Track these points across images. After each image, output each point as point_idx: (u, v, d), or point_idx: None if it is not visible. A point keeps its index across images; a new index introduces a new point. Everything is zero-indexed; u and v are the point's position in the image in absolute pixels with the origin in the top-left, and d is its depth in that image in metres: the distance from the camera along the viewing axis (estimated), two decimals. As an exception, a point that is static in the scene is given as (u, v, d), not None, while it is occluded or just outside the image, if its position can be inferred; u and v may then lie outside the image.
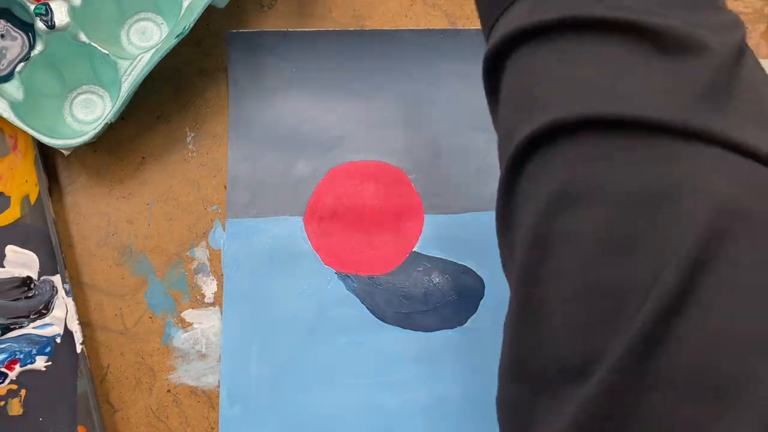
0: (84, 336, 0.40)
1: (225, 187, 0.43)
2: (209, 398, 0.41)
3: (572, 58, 0.22)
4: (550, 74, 0.23)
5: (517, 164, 0.23)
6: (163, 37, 0.42)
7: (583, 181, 0.20)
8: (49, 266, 0.40)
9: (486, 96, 0.29)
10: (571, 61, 0.22)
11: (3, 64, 0.41)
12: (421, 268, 0.42)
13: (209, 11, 0.42)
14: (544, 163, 0.22)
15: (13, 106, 0.39)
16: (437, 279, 0.42)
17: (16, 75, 0.40)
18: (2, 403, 0.39)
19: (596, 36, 0.22)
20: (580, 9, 0.22)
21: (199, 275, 0.42)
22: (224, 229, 0.42)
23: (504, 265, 0.25)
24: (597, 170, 0.20)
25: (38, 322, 0.40)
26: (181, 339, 0.41)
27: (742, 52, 0.21)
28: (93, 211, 0.43)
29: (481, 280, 0.42)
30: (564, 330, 0.20)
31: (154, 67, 0.40)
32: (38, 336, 0.40)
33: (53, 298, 0.40)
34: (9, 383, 0.39)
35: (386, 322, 0.41)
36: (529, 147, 0.22)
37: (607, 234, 0.19)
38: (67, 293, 0.40)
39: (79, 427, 0.39)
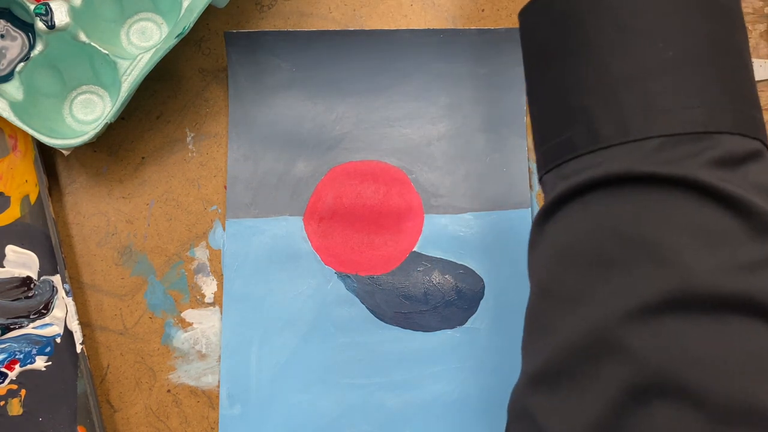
0: (84, 336, 0.40)
1: (225, 187, 0.43)
2: (209, 398, 0.41)
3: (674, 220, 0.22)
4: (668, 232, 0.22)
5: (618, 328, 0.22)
6: (163, 37, 0.42)
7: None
8: (49, 266, 0.40)
9: (532, 238, 0.27)
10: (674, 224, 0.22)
11: (3, 64, 0.41)
12: (421, 268, 0.42)
13: (209, 11, 0.42)
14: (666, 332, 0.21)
15: (13, 106, 0.39)
16: (437, 279, 0.42)
17: (15, 75, 0.40)
18: (2, 403, 0.39)
19: (685, 196, 0.22)
20: (689, 170, 0.22)
21: (199, 275, 0.42)
22: (224, 229, 0.42)
23: None
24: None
25: (38, 322, 0.40)
26: (181, 339, 0.41)
27: None
28: (93, 211, 0.43)
29: (481, 280, 0.42)
30: None
31: (154, 67, 0.40)
32: (38, 336, 0.40)
33: (53, 298, 0.40)
34: (9, 383, 0.39)
35: (386, 322, 0.41)
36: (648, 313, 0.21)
37: None
38: (67, 293, 0.40)
39: (78, 427, 0.39)
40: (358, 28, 0.44)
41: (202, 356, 0.41)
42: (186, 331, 0.41)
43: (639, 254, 0.22)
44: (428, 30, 0.43)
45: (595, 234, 0.23)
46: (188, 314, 0.42)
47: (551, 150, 0.26)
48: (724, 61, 0.24)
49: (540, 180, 0.28)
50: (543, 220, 0.26)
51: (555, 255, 0.25)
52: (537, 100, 0.28)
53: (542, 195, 0.42)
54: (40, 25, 0.38)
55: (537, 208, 0.43)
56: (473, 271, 0.42)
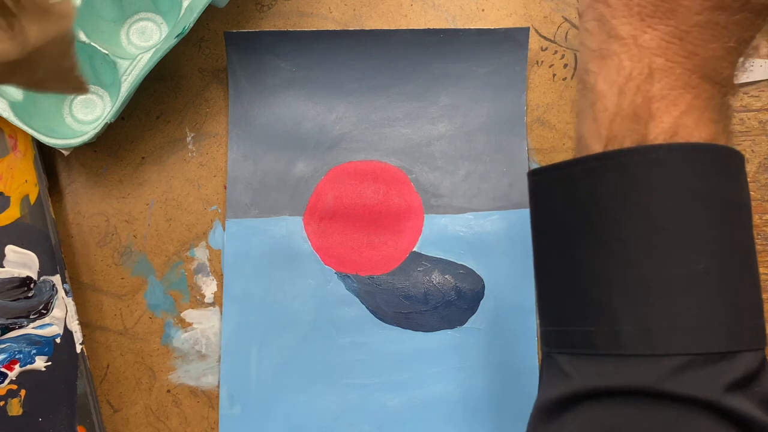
0: (84, 336, 0.40)
1: (225, 187, 0.43)
2: (209, 398, 0.41)
3: None
4: None
5: None
6: (163, 37, 0.42)
7: None
8: (48, 266, 0.40)
9: (536, 426, 0.27)
10: None
11: (3, 64, 0.41)
12: (421, 268, 0.42)
13: (209, 11, 0.42)
14: None
15: (13, 106, 0.39)
16: (437, 279, 0.42)
17: (15, 75, 0.40)
18: (2, 403, 0.39)
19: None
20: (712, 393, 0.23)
21: (199, 275, 0.42)
22: (224, 229, 0.42)
23: None
24: None
25: (38, 322, 0.40)
26: (180, 339, 0.41)
27: None
28: (93, 211, 0.43)
29: (481, 280, 0.42)
30: None
31: (154, 67, 0.40)
32: (38, 336, 0.40)
33: (53, 298, 0.40)
34: (9, 383, 0.39)
35: (386, 322, 0.41)
36: None
37: None
38: (66, 293, 0.40)
39: (78, 427, 0.39)
40: (358, 28, 0.44)
41: (202, 356, 0.41)
42: (186, 331, 0.41)
43: None
44: (428, 30, 0.43)
45: None
46: (188, 314, 0.42)
47: (566, 334, 0.26)
48: (745, 273, 0.24)
49: (546, 353, 0.27)
50: (556, 409, 0.25)
51: None
52: (550, 274, 0.27)
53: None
54: (40, 25, 0.38)
55: (537, 209, 0.43)
56: (473, 271, 0.42)
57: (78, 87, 0.27)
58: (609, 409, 0.24)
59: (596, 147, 0.25)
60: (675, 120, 0.24)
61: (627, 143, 0.24)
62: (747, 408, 0.22)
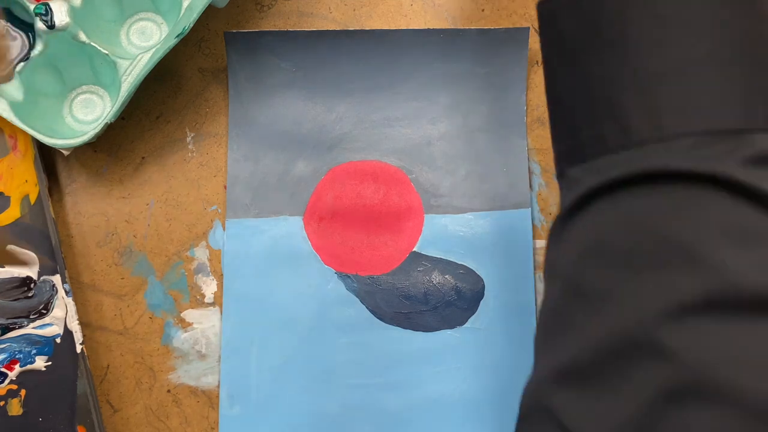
0: (84, 336, 0.40)
1: (225, 187, 0.43)
2: (209, 398, 0.41)
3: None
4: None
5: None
6: (163, 37, 0.42)
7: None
8: (49, 266, 0.40)
9: (555, 233, 0.27)
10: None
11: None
12: (421, 268, 0.42)
13: (209, 11, 0.42)
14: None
15: (13, 106, 0.39)
16: (437, 279, 0.42)
17: (16, 75, 0.40)
18: (2, 403, 0.39)
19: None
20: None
21: (199, 275, 0.42)
22: (224, 229, 0.42)
23: None
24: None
25: (38, 322, 0.40)
26: (180, 339, 0.41)
27: None
28: (93, 211, 0.43)
29: (481, 280, 0.42)
30: None
31: (154, 67, 0.40)
32: (38, 336, 0.40)
33: (53, 298, 0.40)
34: (9, 383, 0.39)
35: (386, 322, 0.41)
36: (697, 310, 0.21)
37: None
38: (67, 293, 0.40)
39: (78, 427, 0.39)
40: (358, 28, 0.44)
41: (202, 356, 0.41)
42: (186, 331, 0.41)
43: (675, 253, 0.22)
44: (428, 30, 0.43)
45: (628, 231, 0.23)
46: (188, 314, 0.42)
47: (577, 144, 0.26)
48: (757, 57, 0.24)
49: (560, 174, 0.27)
50: (570, 214, 0.25)
51: (584, 251, 0.24)
52: (561, 92, 0.27)
53: (542, 194, 0.42)
54: (40, 25, 0.38)
55: (537, 208, 0.43)
56: (473, 271, 0.42)
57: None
58: (621, 200, 0.23)
59: None
60: None
61: None
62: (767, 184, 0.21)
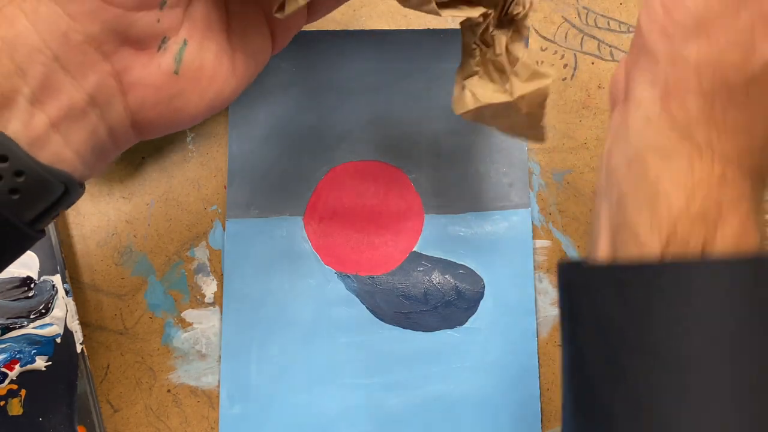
0: (84, 336, 0.40)
1: (225, 187, 0.43)
2: (209, 398, 0.41)
3: None
4: None
5: None
6: (163, 37, 0.42)
7: None
8: (49, 266, 0.40)
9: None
10: None
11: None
12: (421, 268, 0.42)
13: (209, 11, 0.41)
14: None
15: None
16: (437, 279, 0.42)
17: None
18: (2, 403, 0.39)
19: None
20: None
21: (199, 275, 0.42)
22: (224, 229, 0.42)
23: None
24: None
25: (38, 322, 0.40)
26: (181, 339, 0.41)
27: None
28: (93, 211, 0.43)
29: (481, 280, 0.42)
30: None
31: (154, 67, 0.40)
32: (38, 336, 0.40)
33: (53, 298, 0.40)
34: (9, 383, 0.39)
35: (386, 322, 0.41)
36: None
37: None
38: (67, 293, 0.40)
39: (78, 427, 0.39)
40: (358, 28, 0.44)
41: (202, 356, 0.41)
42: (186, 331, 0.41)
43: None
44: (428, 30, 0.43)
45: None
46: (188, 314, 0.42)
47: None
48: None
49: None
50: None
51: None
52: (591, 376, 0.25)
53: (542, 194, 0.42)
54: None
55: (537, 209, 0.43)
56: (473, 271, 0.42)
57: (539, 136, 0.32)
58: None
59: (651, 240, 0.24)
60: (741, 222, 0.24)
61: (692, 243, 0.24)
62: None
